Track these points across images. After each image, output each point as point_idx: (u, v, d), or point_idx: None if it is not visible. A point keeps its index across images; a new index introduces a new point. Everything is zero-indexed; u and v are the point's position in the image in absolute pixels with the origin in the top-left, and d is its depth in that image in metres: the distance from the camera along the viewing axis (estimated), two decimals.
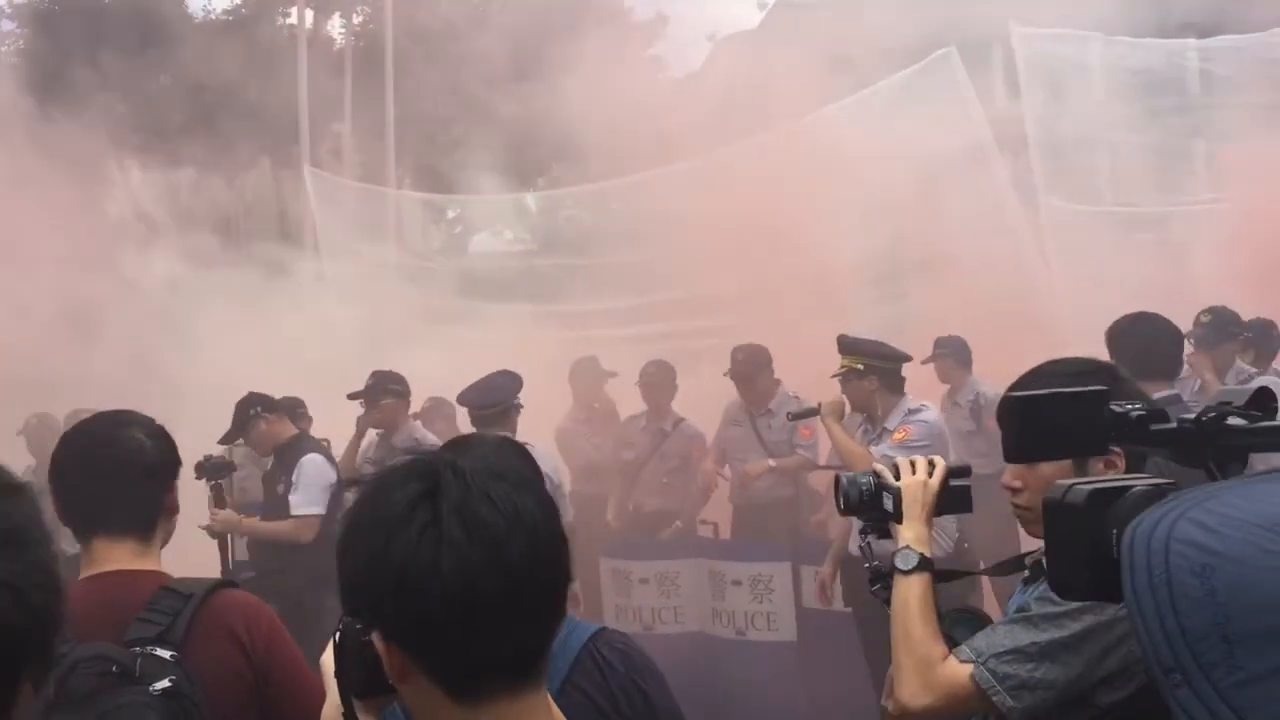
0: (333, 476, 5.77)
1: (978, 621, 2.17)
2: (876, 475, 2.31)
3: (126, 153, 15.34)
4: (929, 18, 9.31)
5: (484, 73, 13.21)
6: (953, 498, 2.28)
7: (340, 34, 16.73)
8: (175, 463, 2.29)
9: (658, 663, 1.97)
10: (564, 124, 9.82)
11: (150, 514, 2.24)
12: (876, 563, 2.31)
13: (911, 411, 5.16)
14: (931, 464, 2.27)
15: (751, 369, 6.59)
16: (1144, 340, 4.07)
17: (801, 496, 6.79)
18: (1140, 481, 1.04)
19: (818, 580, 5.84)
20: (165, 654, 1.98)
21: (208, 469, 5.50)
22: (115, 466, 2.20)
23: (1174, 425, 1.22)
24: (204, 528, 5.43)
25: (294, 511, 5.58)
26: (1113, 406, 1.32)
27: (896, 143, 8.31)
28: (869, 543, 2.38)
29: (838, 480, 2.37)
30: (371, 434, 6.66)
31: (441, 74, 13.66)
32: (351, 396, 6.65)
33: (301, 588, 5.01)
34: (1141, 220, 9.02)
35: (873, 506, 2.33)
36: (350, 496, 6.24)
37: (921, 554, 2.18)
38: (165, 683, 1.92)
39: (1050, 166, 8.35)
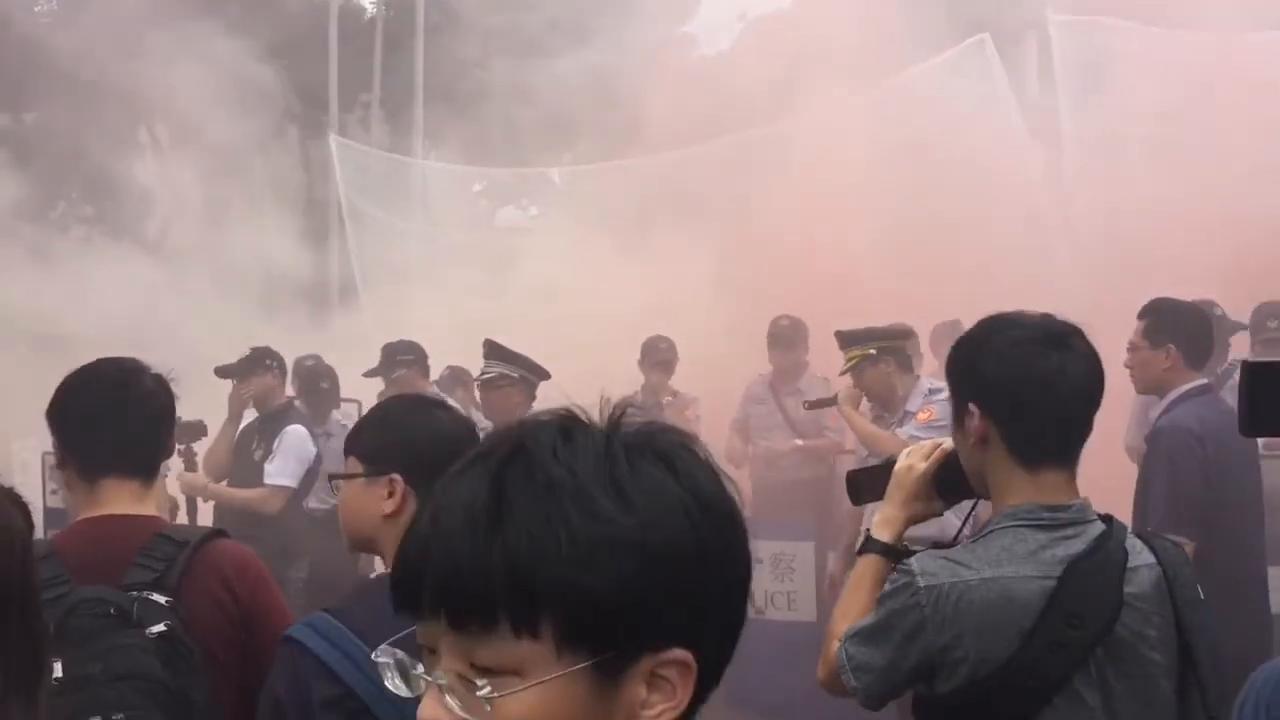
0: (313, 453, 5.70)
1: None
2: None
3: (157, 118, 15.43)
4: (963, 3, 9.26)
5: (513, 46, 13.23)
6: (957, 482, 2.12)
7: (371, 4, 16.73)
8: (174, 409, 2.38)
9: None
10: (591, 99, 9.81)
11: (155, 458, 2.34)
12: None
13: (933, 391, 5.01)
14: (937, 447, 2.16)
15: (794, 335, 6.59)
16: (1192, 325, 4.07)
17: (835, 478, 6.79)
18: None
19: (829, 577, 5.78)
20: (161, 599, 2.05)
21: (178, 431, 5.49)
22: (129, 410, 2.26)
23: None
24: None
25: (267, 480, 5.54)
26: None
27: (925, 130, 8.26)
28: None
29: (850, 473, 2.41)
30: None
31: (471, 46, 13.69)
32: (368, 375, 6.70)
33: (263, 558, 5.00)
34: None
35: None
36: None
37: (875, 538, 2.10)
38: (161, 627, 2.00)
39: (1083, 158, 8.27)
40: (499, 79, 10.90)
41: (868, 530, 2.16)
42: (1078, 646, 1.83)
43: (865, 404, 6.38)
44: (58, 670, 1.84)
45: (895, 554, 2.08)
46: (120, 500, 2.22)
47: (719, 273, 8.30)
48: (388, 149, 13.79)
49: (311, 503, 6.08)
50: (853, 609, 2.06)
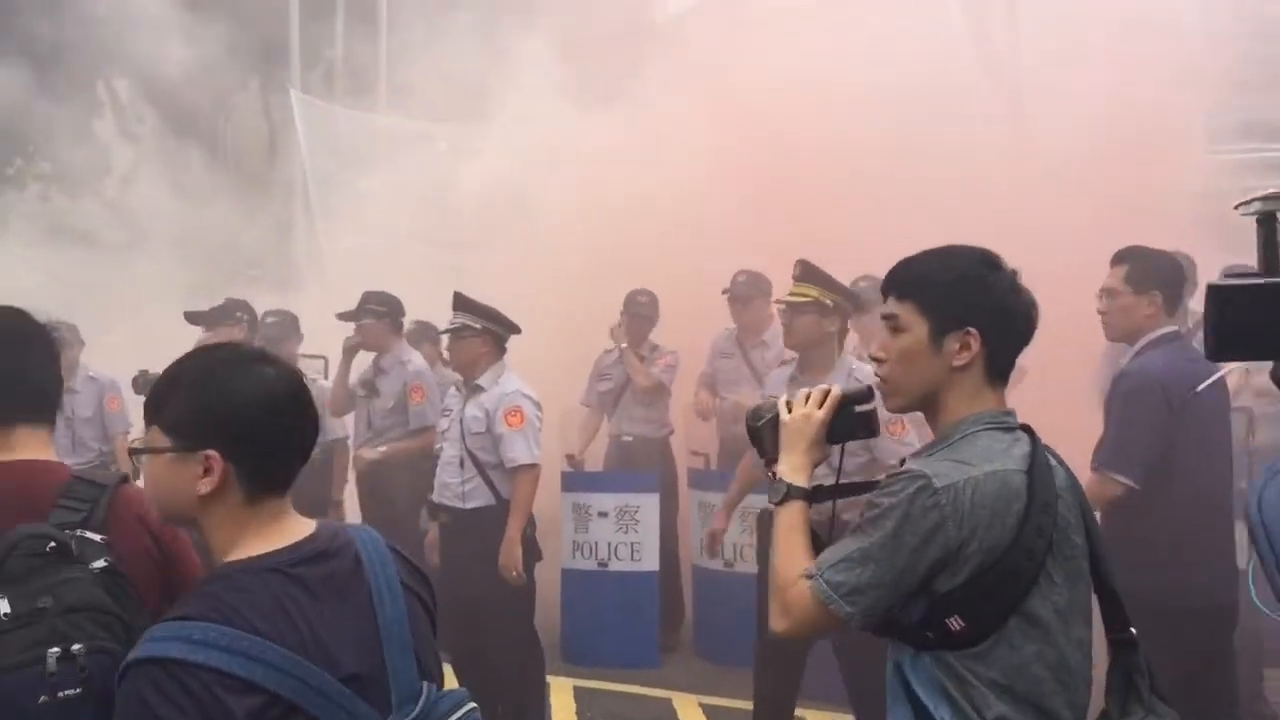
0: None
1: None
2: (776, 408, 2.31)
3: (115, 73, 15.14)
4: None
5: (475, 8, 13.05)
6: (854, 423, 2.25)
7: None
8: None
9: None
10: (554, 56, 9.70)
11: (57, 405, 2.35)
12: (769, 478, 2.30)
13: (854, 373, 4.62)
14: (826, 394, 2.26)
15: (751, 291, 6.61)
16: (1172, 272, 4.07)
17: None
18: None
19: (706, 534, 5.69)
20: (96, 537, 2.05)
21: (145, 384, 5.49)
22: (40, 356, 2.29)
23: None
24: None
25: None
26: None
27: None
28: (773, 473, 2.29)
29: (748, 413, 2.38)
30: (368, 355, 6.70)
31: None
32: (340, 317, 6.69)
33: None
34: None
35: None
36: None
37: (791, 484, 2.20)
38: (102, 562, 1.99)
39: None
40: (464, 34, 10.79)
41: (779, 481, 2.22)
42: (1049, 530, 2.04)
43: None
44: (5, 606, 1.85)
45: (817, 497, 2.22)
46: (32, 446, 2.23)
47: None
48: (350, 106, 13.62)
49: None
50: (796, 552, 2.15)
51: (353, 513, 6.84)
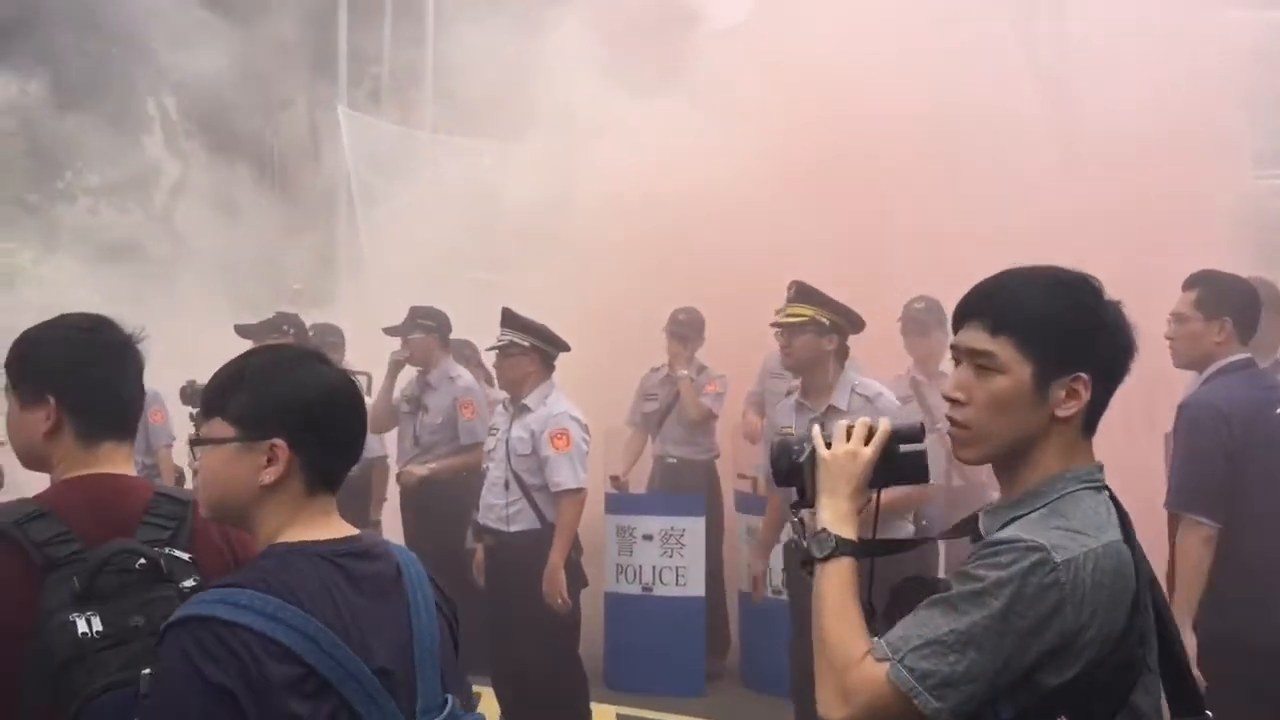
0: None
1: (931, 593, 1.84)
2: (812, 442, 1.98)
3: (164, 88, 15.33)
4: None
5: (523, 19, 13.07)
6: (901, 466, 1.94)
7: None
8: None
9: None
10: (602, 58, 9.65)
11: (139, 419, 2.32)
12: (799, 528, 1.99)
13: (858, 389, 4.64)
14: (871, 429, 1.94)
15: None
16: (1244, 298, 3.92)
17: None
18: None
19: (751, 575, 5.63)
20: (184, 555, 2.01)
21: (192, 396, 5.44)
22: (132, 372, 2.24)
23: None
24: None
25: None
26: None
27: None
28: (801, 518, 2.01)
29: (772, 446, 2.05)
30: (413, 370, 6.64)
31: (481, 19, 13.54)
32: (387, 331, 6.65)
33: None
34: None
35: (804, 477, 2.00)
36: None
37: (839, 536, 1.87)
38: (191, 581, 1.96)
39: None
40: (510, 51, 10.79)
41: (823, 531, 1.88)
42: (1151, 609, 1.79)
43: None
44: (97, 624, 1.85)
45: (865, 552, 1.89)
46: (115, 461, 2.19)
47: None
48: (397, 122, 13.67)
49: None
50: (853, 621, 1.81)
51: (390, 532, 6.76)
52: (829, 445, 1.94)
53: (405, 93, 14.79)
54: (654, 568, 6.68)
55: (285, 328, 5.82)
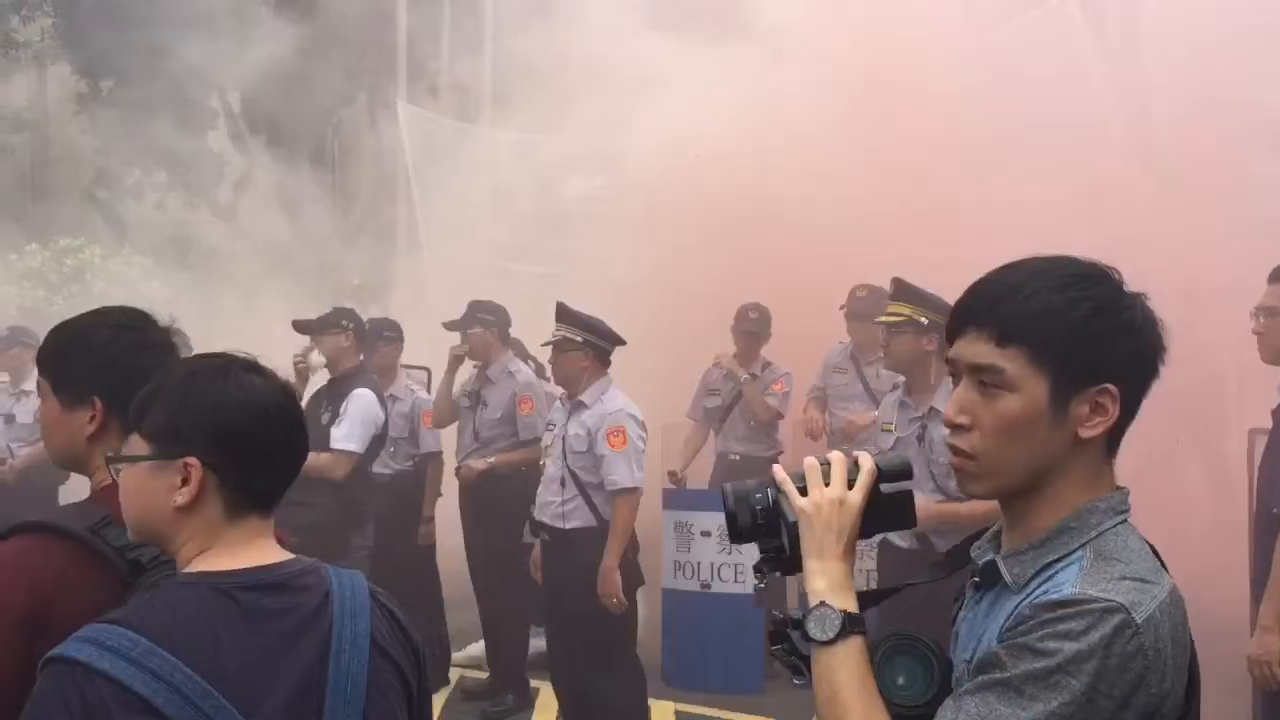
0: (380, 418, 5.61)
1: (925, 654, 1.58)
2: (778, 488, 1.62)
3: (229, 86, 15.54)
4: None
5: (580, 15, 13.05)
6: (886, 511, 1.61)
7: None
8: None
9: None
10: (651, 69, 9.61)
11: None
12: (778, 613, 1.62)
13: None
14: (855, 465, 1.62)
15: (872, 306, 6.38)
16: None
17: None
18: None
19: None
20: None
21: None
22: (169, 362, 2.14)
23: None
24: None
25: (334, 444, 5.42)
26: None
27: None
28: (768, 584, 1.69)
29: (723, 494, 1.65)
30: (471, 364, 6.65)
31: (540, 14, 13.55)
32: (447, 326, 6.66)
33: (324, 523, 4.97)
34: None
35: (772, 533, 1.63)
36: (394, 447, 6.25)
37: (845, 610, 1.52)
38: None
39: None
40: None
41: (821, 605, 1.53)
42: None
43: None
44: None
45: (862, 626, 1.54)
46: None
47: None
48: (456, 117, 13.71)
49: (376, 468, 6.03)
50: (876, 716, 1.49)
51: (445, 528, 6.78)
52: (803, 491, 1.60)
53: (464, 87, 14.84)
54: (712, 564, 6.63)
55: (344, 322, 5.83)
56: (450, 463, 6.72)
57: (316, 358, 5.77)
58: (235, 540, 1.68)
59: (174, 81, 13.52)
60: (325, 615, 1.67)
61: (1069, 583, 1.44)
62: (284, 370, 5.66)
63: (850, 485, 1.59)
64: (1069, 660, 1.36)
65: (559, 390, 5.63)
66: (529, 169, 10.72)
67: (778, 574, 1.64)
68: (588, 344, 5.18)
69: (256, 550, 1.69)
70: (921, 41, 7.86)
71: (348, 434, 5.47)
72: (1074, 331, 1.48)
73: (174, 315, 2.22)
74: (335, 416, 5.53)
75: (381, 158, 14.53)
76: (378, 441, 5.68)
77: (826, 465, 1.61)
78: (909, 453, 4.45)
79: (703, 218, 8.06)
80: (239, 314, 9.94)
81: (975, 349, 1.53)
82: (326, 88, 14.37)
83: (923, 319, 4.53)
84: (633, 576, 5.13)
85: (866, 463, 1.61)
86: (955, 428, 1.55)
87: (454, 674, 6.77)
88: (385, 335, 6.65)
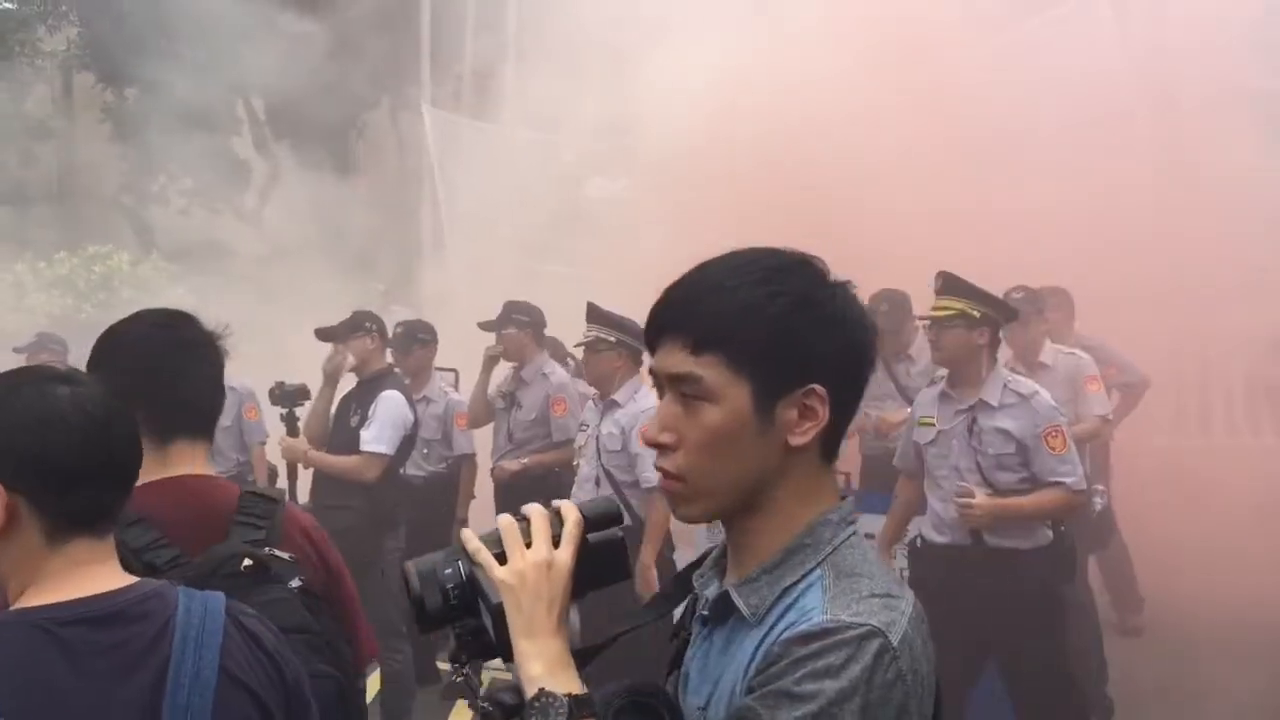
0: (409, 419, 5.58)
1: (659, 712, 1.41)
2: (471, 559, 1.41)
3: (253, 91, 15.62)
4: None
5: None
6: (597, 563, 1.41)
7: None
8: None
9: None
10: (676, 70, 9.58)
11: (217, 418, 2.24)
12: (486, 704, 1.37)
13: (1010, 385, 4.39)
14: (558, 516, 1.42)
15: (899, 315, 6.30)
16: None
17: None
18: None
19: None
20: (285, 555, 1.96)
21: (281, 396, 5.45)
22: (205, 368, 2.17)
23: None
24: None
25: (363, 446, 5.40)
26: None
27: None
28: (469, 673, 1.44)
29: (405, 575, 1.41)
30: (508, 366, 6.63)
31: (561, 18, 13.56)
32: (482, 326, 6.64)
33: (356, 526, 4.97)
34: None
35: (470, 612, 1.40)
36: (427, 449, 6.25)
37: (570, 695, 1.31)
38: (297, 581, 1.91)
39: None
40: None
41: (541, 695, 1.30)
42: None
43: (920, 365, 6.07)
44: None
45: (590, 708, 1.32)
46: (193, 461, 2.13)
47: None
48: (478, 118, 13.73)
49: (409, 470, 6.01)
50: None
51: (479, 530, 6.74)
52: (501, 559, 1.38)
53: (487, 90, 14.86)
54: None
55: (368, 324, 5.82)
56: (485, 464, 6.70)
57: (343, 359, 5.70)
58: (59, 569, 1.52)
59: (198, 88, 13.60)
60: (163, 646, 1.52)
61: (816, 609, 1.30)
62: (311, 376, 5.66)
63: (556, 542, 1.39)
64: (832, 702, 1.22)
65: (591, 390, 5.60)
66: (553, 168, 10.73)
67: (480, 660, 1.42)
68: (620, 344, 5.15)
69: (88, 578, 1.53)
70: (944, 36, 7.81)
71: (377, 436, 5.45)
72: (772, 330, 1.35)
73: (224, 323, 2.23)
74: (364, 419, 5.51)
75: (405, 160, 14.57)
76: (408, 443, 5.66)
77: (525, 522, 1.41)
78: (955, 445, 4.43)
79: (731, 213, 8.02)
80: (266, 318, 9.98)
81: (672, 359, 1.39)
82: (350, 92, 14.42)
83: (975, 313, 4.47)
84: (669, 574, 5.09)
85: (571, 513, 1.42)
86: (658, 447, 1.41)
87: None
88: (420, 338, 6.61)
